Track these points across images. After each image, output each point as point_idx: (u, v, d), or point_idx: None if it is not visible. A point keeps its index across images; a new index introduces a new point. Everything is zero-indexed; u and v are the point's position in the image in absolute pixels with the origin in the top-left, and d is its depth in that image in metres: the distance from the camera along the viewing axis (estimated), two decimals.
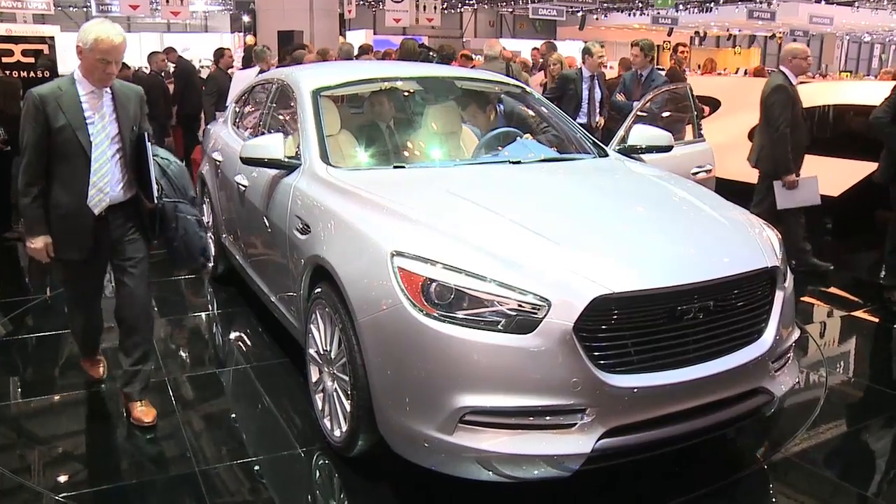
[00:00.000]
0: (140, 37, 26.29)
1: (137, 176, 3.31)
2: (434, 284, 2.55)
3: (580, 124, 6.62)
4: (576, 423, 2.47)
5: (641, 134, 4.16)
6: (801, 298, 5.18)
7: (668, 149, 4.14)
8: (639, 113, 5.07)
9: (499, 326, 2.48)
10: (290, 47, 9.11)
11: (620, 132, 4.46)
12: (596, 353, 2.48)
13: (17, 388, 3.86)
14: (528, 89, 4.51)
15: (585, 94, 6.92)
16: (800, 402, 3.70)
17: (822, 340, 4.68)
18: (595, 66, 6.94)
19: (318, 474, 3.11)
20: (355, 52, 9.19)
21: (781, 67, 5.63)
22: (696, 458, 3.12)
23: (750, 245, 2.95)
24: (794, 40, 36.06)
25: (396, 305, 2.59)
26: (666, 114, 5.73)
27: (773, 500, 3.03)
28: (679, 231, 2.99)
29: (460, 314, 2.51)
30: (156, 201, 3.32)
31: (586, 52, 7.07)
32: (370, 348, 2.72)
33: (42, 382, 3.97)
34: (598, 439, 2.48)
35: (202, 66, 15.40)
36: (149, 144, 3.25)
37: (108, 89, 3.22)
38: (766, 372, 2.83)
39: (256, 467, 3.11)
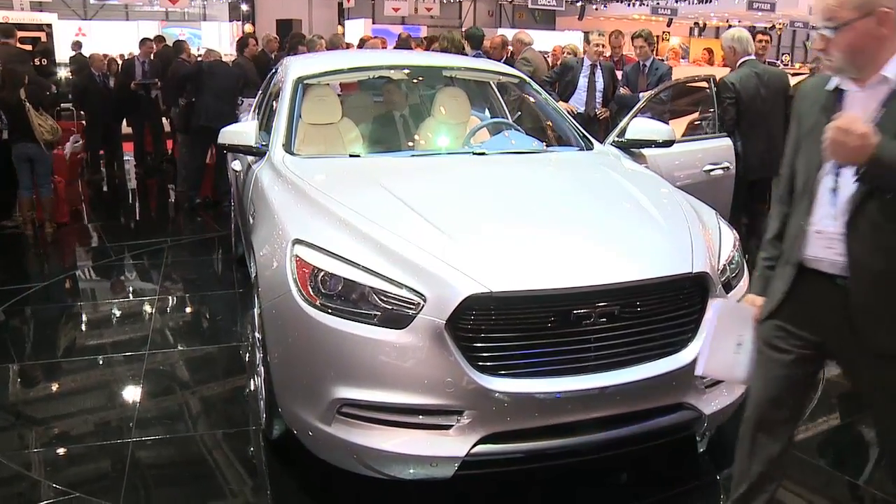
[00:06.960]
0: (138, 25, 26.19)
1: None
2: (322, 274, 2.52)
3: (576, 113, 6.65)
4: (452, 426, 2.38)
5: (640, 127, 4.02)
6: None
7: (668, 143, 4.00)
8: (651, 103, 4.90)
9: (374, 320, 2.42)
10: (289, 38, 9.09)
11: (621, 125, 4.37)
12: (475, 354, 2.37)
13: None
14: (525, 79, 4.46)
15: (584, 82, 6.90)
16: None
17: None
18: (593, 55, 6.93)
19: (252, 453, 3.15)
20: (353, 44, 9.23)
21: None
22: (689, 448, 3.14)
23: (678, 249, 2.67)
24: (794, 32, 36.03)
25: (286, 293, 2.58)
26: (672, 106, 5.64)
27: None
28: (598, 231, 2.79)
29: (340, 305, 2.47)
30: None
31: (586, 40, 7.08)
32: (269, 334, 2.73)
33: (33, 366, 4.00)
34: (475, 444, 2.38)
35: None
36: None
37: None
38: (690, 387, 2.60)
39: (193, 442, 3.19)
